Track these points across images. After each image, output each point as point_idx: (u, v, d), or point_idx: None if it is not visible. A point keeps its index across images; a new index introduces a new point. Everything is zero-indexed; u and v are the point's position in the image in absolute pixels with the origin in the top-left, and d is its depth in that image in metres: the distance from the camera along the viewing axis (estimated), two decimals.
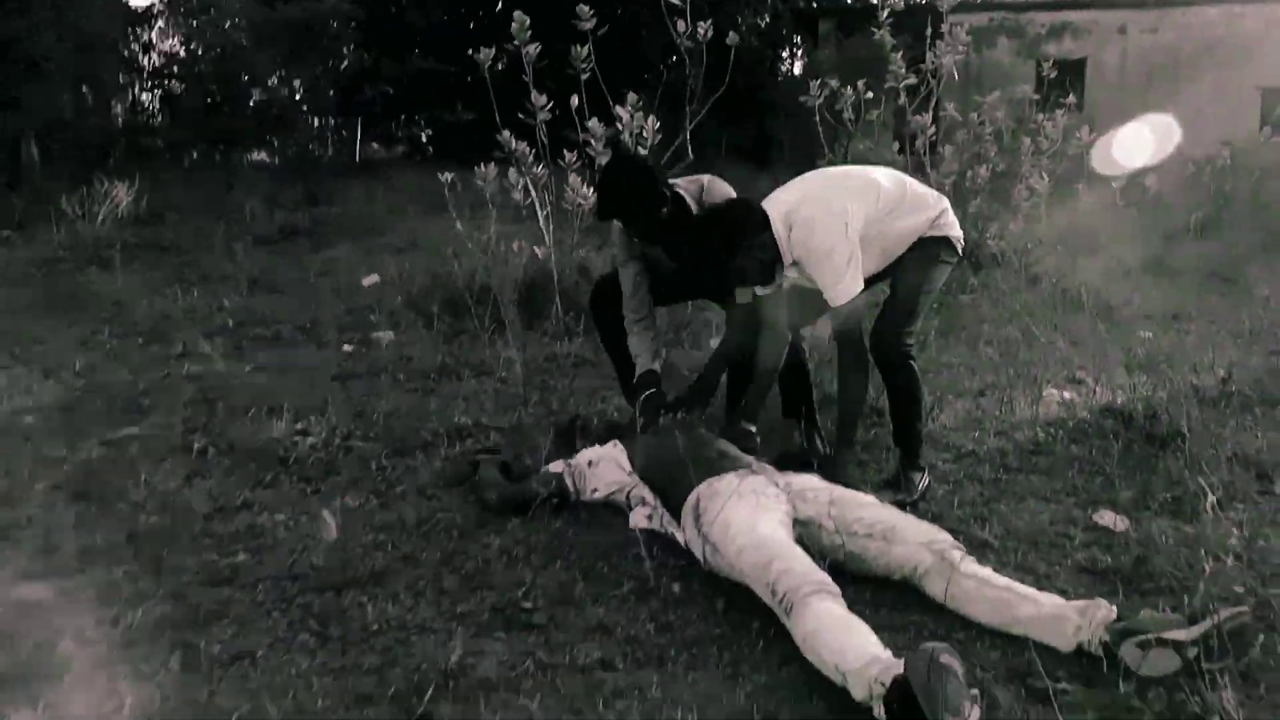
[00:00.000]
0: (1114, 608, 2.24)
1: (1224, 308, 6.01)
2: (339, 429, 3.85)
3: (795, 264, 3.24)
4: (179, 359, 5.16)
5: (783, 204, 3.23)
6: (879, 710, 1.92)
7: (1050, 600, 2.32)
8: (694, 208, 3.57)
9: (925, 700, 1.76)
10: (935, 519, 2.90)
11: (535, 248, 5.92)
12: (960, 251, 3.40)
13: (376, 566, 2.74)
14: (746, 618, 2.43)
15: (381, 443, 3.77)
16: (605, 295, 3.89)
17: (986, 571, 2.44)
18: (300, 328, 5.94)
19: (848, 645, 2.09)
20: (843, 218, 3.13)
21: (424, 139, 21.59)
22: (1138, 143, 8.84)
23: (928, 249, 3.31)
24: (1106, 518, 3.01)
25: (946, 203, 3.39)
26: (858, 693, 1.99)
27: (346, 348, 5.40)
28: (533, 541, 2.90)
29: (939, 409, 4.05)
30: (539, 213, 5.69)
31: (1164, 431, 3.67)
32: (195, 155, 18.81)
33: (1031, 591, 2.36)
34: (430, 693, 2.11)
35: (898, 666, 1.94)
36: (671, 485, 2.90)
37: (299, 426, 3.87)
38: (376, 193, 11.77)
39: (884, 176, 3.33)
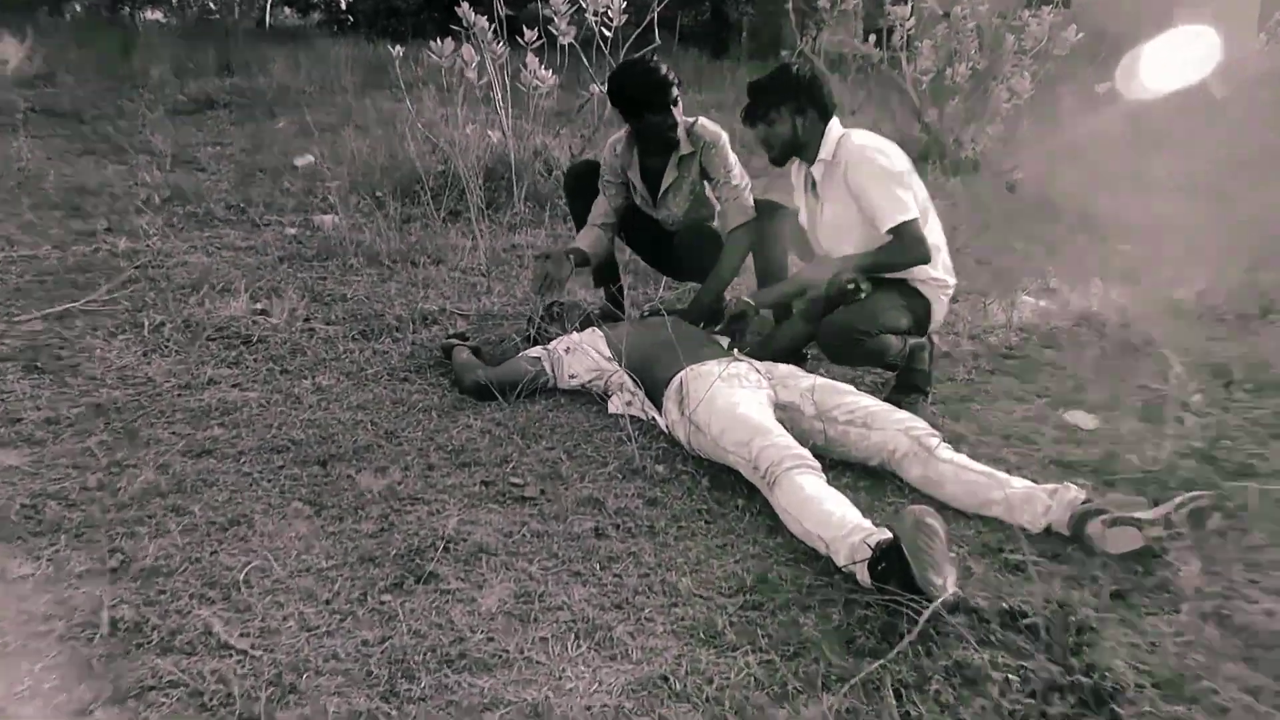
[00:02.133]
0: (1082, 491, 2.60)
1: (1204, 221, 6.43)
2: (299, 311, 4.08)
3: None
4: (107, 234, 5.29)
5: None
6: (862, 573, 2.26)
7: (1022, 483, 2.68)
8: (684, 139, 3.87)
9: (911, 556, 2.10)
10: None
11: (490, 132, 6.14)
12: (928, 335, 3.58)
13: (360, 442, 3.01)
14: (730, 495, 2.76)
15: (346, 325, 4.01)
16: (580, 176, 4.16)
17: (961, 457, 2.80)
18: (233, 207, 6.07)
19: (830, 514, 2.42)
20: (906, 164, 3.50)
21: (344, 6, 21.20)
22: (1171, 59, 8.72)
23: (912, 300, 3.51)
24: (1076, 416, 3.39)
25: (952, 289, 3.63)
26: (841, 558, 2.33)
27: (289, 230, 5.57)
28: (513, 423, 3.20)
29: None
30: (496, 95, 5.90)
31: (1136, 340, 4.07)
32: (79, 9, 18.31)
33: (1004, 475, 2.71)
34: (432, 555, 2.40)
35: (880, 533, 2.28)
36: (654, 370, 3.22)
37: (257, 307, 4.09)
38: (299, 63, 11.69)
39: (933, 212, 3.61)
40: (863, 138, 3.52)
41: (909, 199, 3.39)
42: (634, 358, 3.35)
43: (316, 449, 2.97)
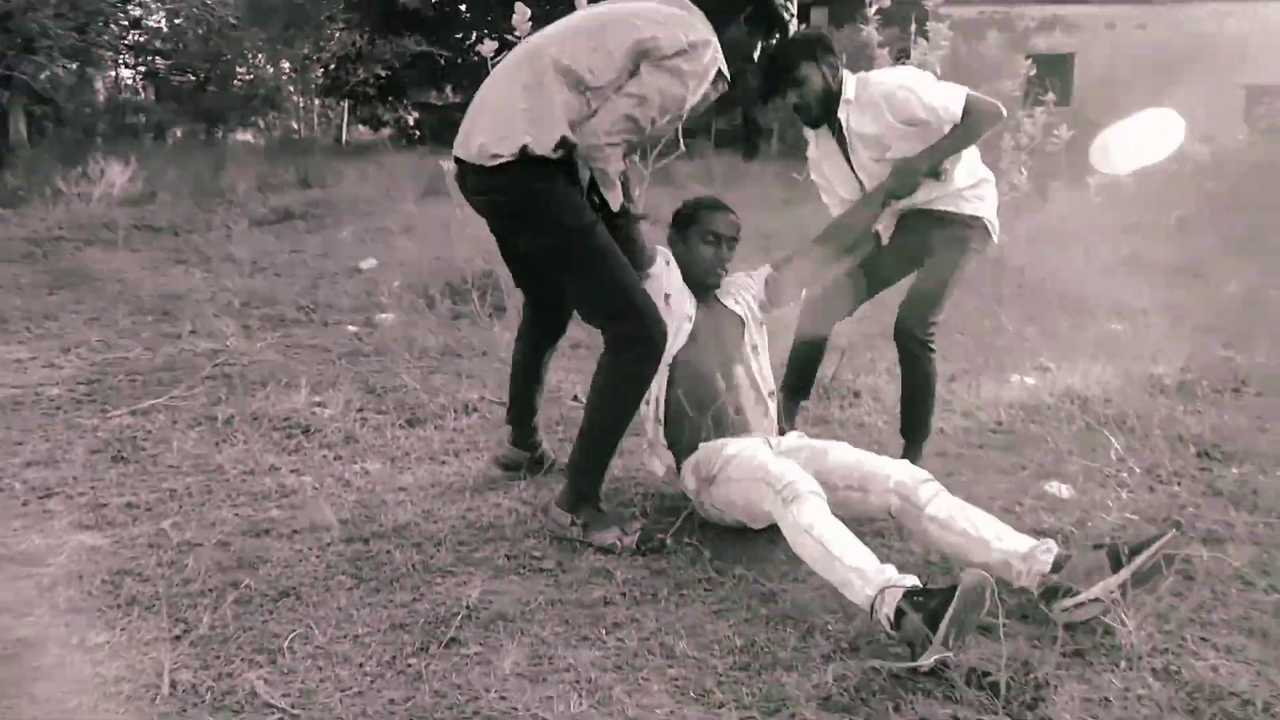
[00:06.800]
0: (1051, 553, 2.59)
1: (1190, 302, 6.44)
2: (353, 402, 4.24)
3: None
4: (191, 336, 5.53)
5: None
6: (886, 610, 2.28)
7: (1000, 546, 2.65)
8: None
9: (953, 620, 2.15)
10: None
11: None
12: (994, 237, 3.55)
13: (399, 520, 3.13)
14: (730, 565, 2.83)
15: (393, 414, 4.15)
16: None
17: (947, 513, 2.74)
18: (303, 309, 6.30)
19: (852, 546, 2.47)
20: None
21: (411, 122, 21.91)
22: (1139, 139, 8.82)
23: (959, 233, 3.48)
24: (1054, 487, 3.42)
25: (992, 181, 3.59)
26: (866, 589, 2.35)
27: (351, 328, 5.77)
28: (537, 500, 3.29)
29: None
30: None
31: (1114, 413, 4.10)
32: (180, 134, 19.07)
33: (987, 532, 2.68)
34: (456, 622, 2.49)
35: (907, 579, 2.34)
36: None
37: (316, 400, 4.25)
38: (368, 176, 12.10)
39: None
40: (878, 74, 3.50)
41: (951, 84, 3.39)
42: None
43: (361, 527, 3.08)
